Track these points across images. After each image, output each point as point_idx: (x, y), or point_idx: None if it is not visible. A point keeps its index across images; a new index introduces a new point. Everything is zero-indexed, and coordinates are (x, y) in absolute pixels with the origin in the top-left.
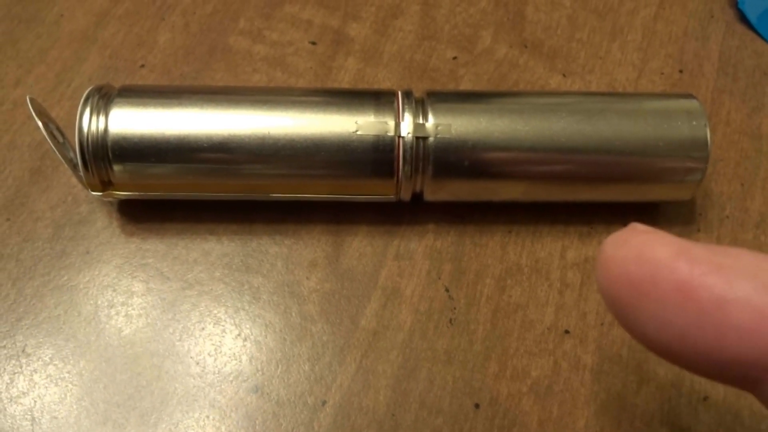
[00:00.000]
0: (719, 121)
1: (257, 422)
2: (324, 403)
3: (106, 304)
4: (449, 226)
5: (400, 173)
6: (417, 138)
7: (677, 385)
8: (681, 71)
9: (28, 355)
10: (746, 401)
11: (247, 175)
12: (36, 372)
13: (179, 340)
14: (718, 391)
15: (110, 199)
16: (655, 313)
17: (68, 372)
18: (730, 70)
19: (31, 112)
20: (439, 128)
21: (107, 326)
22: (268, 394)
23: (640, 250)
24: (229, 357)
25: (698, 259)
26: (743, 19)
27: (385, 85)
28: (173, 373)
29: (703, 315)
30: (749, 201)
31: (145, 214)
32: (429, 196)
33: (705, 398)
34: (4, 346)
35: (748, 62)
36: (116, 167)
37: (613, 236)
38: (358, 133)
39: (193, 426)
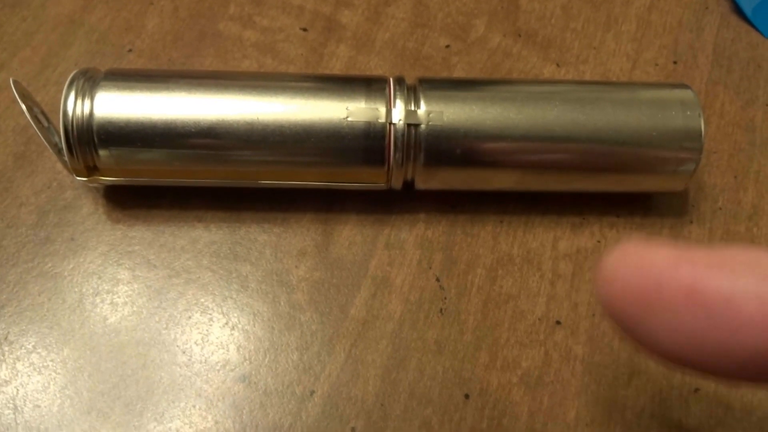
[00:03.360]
0: (713, 112)
1: (244, 412)
2: (312, 392)
3: (91, 291)
4: (440, 215)
5: (391, 161)
6: (408, 125)
7: (668, 376)
8: (675, 62)
9: (11, 342)
10: (737, 393)
11: (236, 161)
12: (19, 360)
13: (165, 328)
14: (709, 383)
15: (96, 184)
16: (666, 322)
17: (52, 360)
18: (724, 62)
19: (15, 96)
20: (431, 115)
21: (92, 314)
22: (255, 383)
23: (638, 261)
24: (217, 346)
25: (698, 260)
26: (738, 10)
27: (376, 72)
28: (159, 361)
29: (714, 315)
30: (742, 193)
31: (131, 201)
32: (420, 184)
33: (696, 390)
34: None
35: (743, 54)
36: (102, 152)
37: (608, 257)
38: (349, 119)
39: (179, 415)
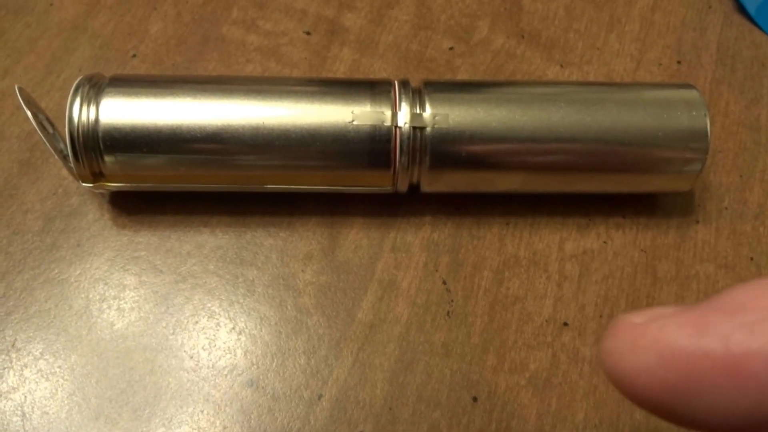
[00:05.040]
0: (718, 112)
1: (252, 417)
2: (320, 396)
3: (97, 297)
4: (446, 217)
5: (397, 164)
6: (414, 128)
7: None
8: (679, 62)
9: (19, 349)
10: None
11: (241, 166)
12: (26, 367)
13: (172, 333)
14: None
15: (101, 190)
16: (711, 401)
17: (59, 367)
18: (728, 61)
19: (20, 102)
20: (436, 118)
21: (99, 320)
22: (263, 388)
23: (654, 345)
24: (224, 351)
25: (722, 329)
26: (741, 9)
27: (380, 75)
28: (166, 367)
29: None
30: (748, 192)
31: (137, 206)
32: (426, 187)
33: None
34: None
35: (747, 53)
36: (107, 158)
37: (612, 341)
38: (354, 123)
39: (187, 421)
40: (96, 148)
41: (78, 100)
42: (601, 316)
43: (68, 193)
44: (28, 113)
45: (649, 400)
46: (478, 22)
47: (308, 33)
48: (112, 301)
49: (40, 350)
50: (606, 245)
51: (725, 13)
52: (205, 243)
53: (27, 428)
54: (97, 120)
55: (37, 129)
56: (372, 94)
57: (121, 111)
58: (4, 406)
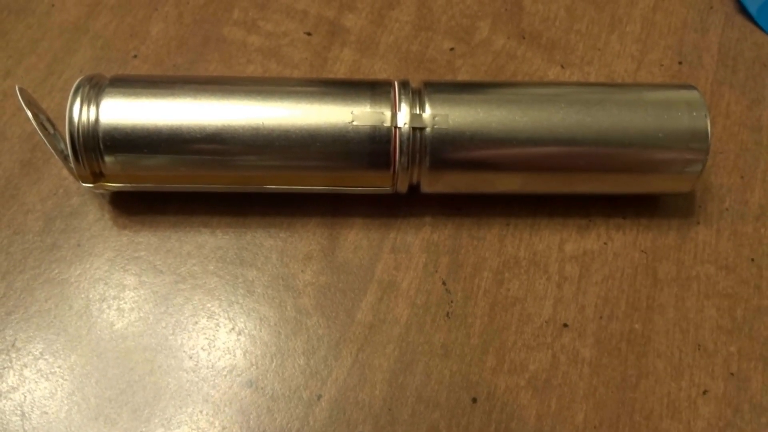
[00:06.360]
0: (719, 113)
1: (251, 417)
2: (319, 397)
3: (97, 297)
4: (446, 218)
5: (397, 164)
6: (414, 129)
7: (677, 378)
8: (680, 63)
9: (18, 349)
10: (746, 395)
11: (241, 166)
12: (26, 367)
13: (172, 334)
14: (718, 385)
15: (102, 191)
16: None
17: (59, 366)
18: (729, 62)
19: (20, 103)
20: (436, 119)
21: (99, 320)
22: (262, 388)
23: None
24: (223, 351)
25: None
26: (743, 10)
27: (381, 76)
28: (166, 367)
29: None
30: (749, 193)
31: (137, 207)
32: (426, 187)
33: (705, 392)
34: None
35: (748, 54)
36: (108, 158)
37: None
38: (354, 123)
39: (186, 421)
40: (96, 149)
41: (78, 101)
42: (601, 318)
43: (69, 193)
44: (29, 114)
45: None
46: (478, 22)
47: (309, 34)
48: (112, 302)
49: (40, 350)
50: (606, 246)
51: (726, 14)
52: (205, 243)
53: (26, 428)
54: (97, 120)
55: (38, 129)
56: (372, 95)
57: (122, 111)
58: (4, 406)
